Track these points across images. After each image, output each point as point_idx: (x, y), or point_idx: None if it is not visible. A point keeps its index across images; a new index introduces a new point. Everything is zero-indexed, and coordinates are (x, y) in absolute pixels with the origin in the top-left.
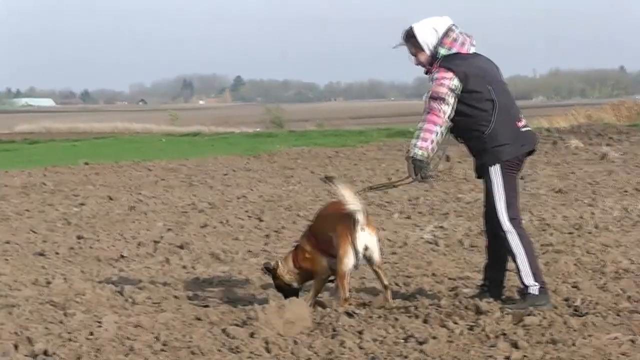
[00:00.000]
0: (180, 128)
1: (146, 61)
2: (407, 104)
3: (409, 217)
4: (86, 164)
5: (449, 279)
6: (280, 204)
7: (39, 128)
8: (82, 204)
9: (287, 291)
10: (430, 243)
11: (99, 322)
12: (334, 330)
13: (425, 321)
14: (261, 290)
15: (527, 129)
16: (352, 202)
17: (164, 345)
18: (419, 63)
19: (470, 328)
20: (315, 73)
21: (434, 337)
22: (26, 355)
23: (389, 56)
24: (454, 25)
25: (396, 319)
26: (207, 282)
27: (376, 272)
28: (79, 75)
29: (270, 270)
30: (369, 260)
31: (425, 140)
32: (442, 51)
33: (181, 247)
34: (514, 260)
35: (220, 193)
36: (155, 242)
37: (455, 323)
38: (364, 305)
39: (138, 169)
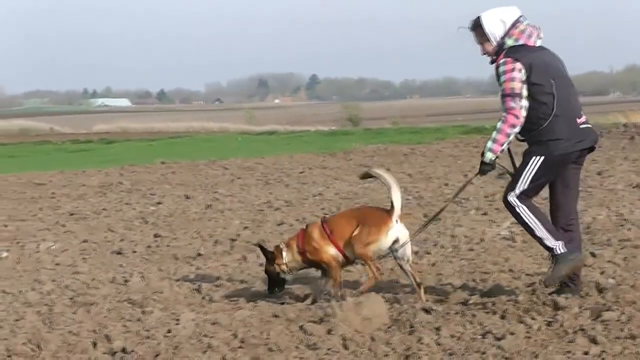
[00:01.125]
0: (256, 127)
1: (222, 60)
2: (483, 100)
3: (485, 214)
4: (163, 163)
5: (526, 275)
6: (356, 202)
7: (116, 128)
8: (159, 203)
9: (276, 280)
10: (507, 239)
11: (177, 320)
12: (411, 327)
13: (502, 317)
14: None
15: (587, 125)
16: (396, 188)
17: (242, 342)
18: (485, 52)
19: (548, 324)
20: (390, 71)
21: (512, 333)
22: (104, 353)
23: (464, 53)
24: (522, 16)
25: (474, 315)
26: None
27: (405, 269)
28: (155, 75)
29: (268, 254)
30: (399, 255)
31: (499, 143)
32: (509, 42)
33: (258, 245)
34: (530, 231)
35: (297, 191)
36: (232, 240)
37: (533, 319)
38: (441, 301)
39: (214, 167)
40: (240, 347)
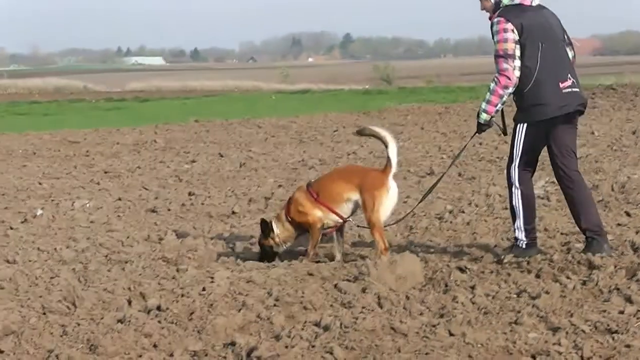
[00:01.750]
0: (290, 86)
1: (256, 19)
2: None
3: None
4: (196, 121)
5: (561, 234)
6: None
7: (150, 86)
8: (193, 161)
9: (268, 253)
10: (542, 198)
11: (212, 278)
12: (446, 286)
13: (537, 276)
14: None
15: (573, 89)
16: (393, 145)
17: (277, 300)
18: (483, 8)
19: (584, 283)
20: (424, 30)
21: (547, 292)
22: (139, 311)
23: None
24: None
25: (508, 274)
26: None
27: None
28: (189, 33)
29: (265, 229)
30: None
31: (492, 104)
32: (506, 1)
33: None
34: (512, 214)
35: (331, 150)
36: (266, 198)
37: (568, 278)
38: (475, 260)
39: (248, 126)
40: (274, 305)
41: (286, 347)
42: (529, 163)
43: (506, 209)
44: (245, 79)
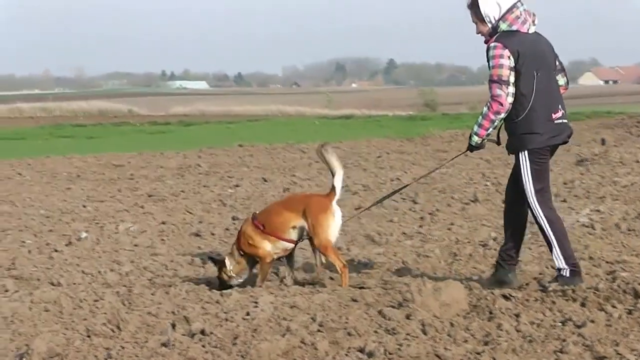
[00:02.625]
0: (334, 111)
1: (299, 44)
2: None
3: (564, 201)
4: (240, 145)
5: (606, 262)
6: (434, 187)
7: (194, 110)
8: (237, 185)
9: (225, 284)
10: (587, 227)
11: (255, 303)
12: (491, 313)
13: (583, 305)
14: (416, 272)
15: (562, 121)
16: (339, 172)
17: (320, 326)
18: (479, 32)
19: (629, 312)
20: (468, 56)
21: (592, 321)
22: (183, 335)
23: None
24: (519, 2)
25: (553, 302)
26: (362, 264)
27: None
28: (233, 58)
29: (217, 263)
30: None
31: (484, 128)
32: (503, 26)
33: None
34: (549, 246)
35: (374, 175)
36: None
37: (614, 307)
38: (520, 287)
39: (292, 151)
40: (318, 331)
41: None
42: (543, 189)
43: None
44: (289, 104)
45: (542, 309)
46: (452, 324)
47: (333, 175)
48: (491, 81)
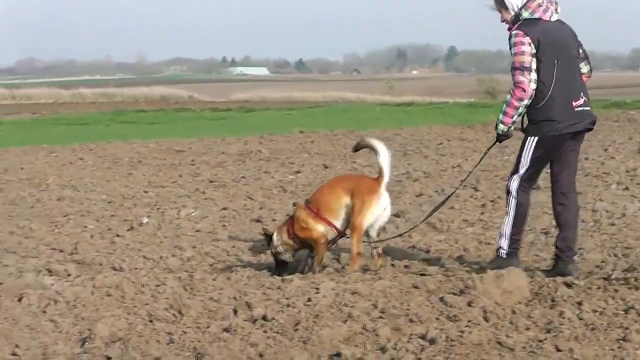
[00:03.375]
0: (395, 98)
1: (360, 31)
2: (623, 75)
3: (627, 188)
4: (301, 132)
5: None
6: (495, 174)
7: (254, 96)
8: (298, 172)
9: (278, 262)
10: None
11: (317, 289)
12: (553, 301)
13: None
14: (478, 259)
15: (584, 108)
16: (385, 155)
17: (382, 312)
18: (503, 20)
19: None
20: None
21: None
22: (245, 320)
23: (605, 26)
24: None
25: (616, 290)
26: (423, 251)
27: (371, 236)
28: (294, 44)
29: (266, 236)
30: (378, 223)
31: (509, 116)
32: (525, 14)
33: (397, 215)
34: (504, 223)
35: (435, 162)
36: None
37: None
38: (582, 275)
39: (352, 137)
40: (380, 317)
41: (392, 359)
42: (532, 176)
43: (613, 224)
44: (349, 91)
45: (605, 297)
46: (513, 312)
47: (377, 156)
48: (513, 68)
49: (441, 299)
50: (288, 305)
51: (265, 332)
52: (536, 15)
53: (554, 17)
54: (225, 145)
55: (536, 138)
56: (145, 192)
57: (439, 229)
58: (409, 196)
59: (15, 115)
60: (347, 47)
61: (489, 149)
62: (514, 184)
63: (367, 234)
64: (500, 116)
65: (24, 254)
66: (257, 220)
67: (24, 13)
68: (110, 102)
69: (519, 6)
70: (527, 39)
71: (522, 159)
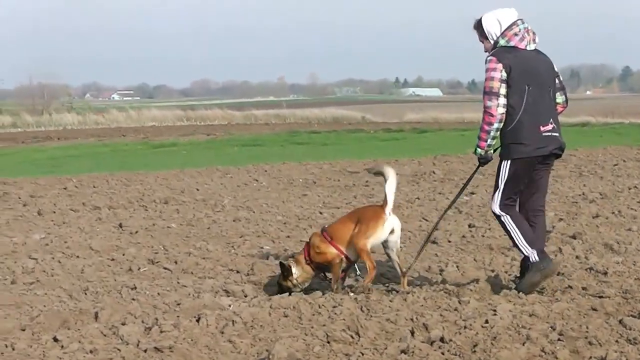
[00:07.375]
0: (569, 118)
1: None
2: None
3: None
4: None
5: None
6: None
7: (427, 117)
8: (472, 193)
9: (283, 289)
10: None
11: (494, 310)
12: None
13: None
14: None
15: (552, 134)
16: (392, 182)
17: (560, 335)
18: (486, 50)
19: None
20: None
21: None
22: (422, 342)
23: None
24: (519, 20)
25: None
26: (601, 273)
27: (392, 258)
28: (466, 64)
29: (285, 271)
30: (390, 245)
31: (482, 140)
32: (502, 42)
33: (573, 237)
34: (511, 239)
35: (611, 183)
36: (547, 231)
37: None
38: None
39: None
40: (559, 340)
41: None
42: (510, 197)
43: None
44: None
45: None
46: None
47: (385, 181)
48: (484, 93)
49: (620, 321)
50: (465, 327)
51: (442, 354)
52: (512, 44)
53: (531, 47)
54: (398, 167)
55: (508, 161)
56: (320, 212)
57: (616, 250)
58: (585, 217)
59: (190, 137)
60: None
61: (472, 175)
62: (496, 207)
63: (388, 256)
64: (476, 140)
65: (201, 275)
66: (433, 242)
67: (200, 37)
68: (284, 123)
69: (497, 35)
70: (500, 65)
71: (499, 182)
